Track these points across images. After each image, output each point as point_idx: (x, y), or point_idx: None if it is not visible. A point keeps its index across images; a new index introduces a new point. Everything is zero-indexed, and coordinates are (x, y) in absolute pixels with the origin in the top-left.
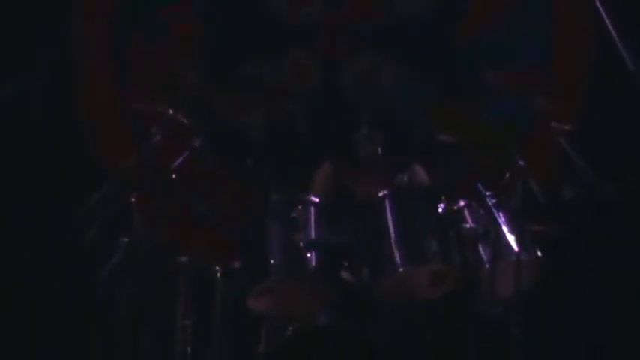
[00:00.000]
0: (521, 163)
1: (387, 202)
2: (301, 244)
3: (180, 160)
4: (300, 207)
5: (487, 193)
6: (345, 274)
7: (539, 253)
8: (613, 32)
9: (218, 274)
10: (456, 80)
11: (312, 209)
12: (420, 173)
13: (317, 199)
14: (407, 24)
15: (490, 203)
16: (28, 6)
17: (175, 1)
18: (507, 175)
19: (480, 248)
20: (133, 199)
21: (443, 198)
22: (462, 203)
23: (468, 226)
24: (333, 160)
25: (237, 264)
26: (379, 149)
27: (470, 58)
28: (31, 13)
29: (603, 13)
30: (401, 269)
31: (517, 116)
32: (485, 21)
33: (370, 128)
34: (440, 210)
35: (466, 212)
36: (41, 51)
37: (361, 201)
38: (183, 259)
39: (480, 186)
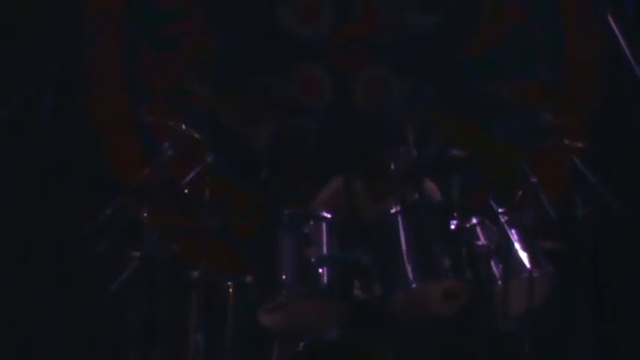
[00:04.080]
0: (533, 179)
1: (399, 219)
2: (313, 259)
3: (192, 174)
4: (312, 222)
5: (500, 210)
6: (357, 291)
7: (552, 270)
8: (625, 46)
9: (230, 289)
10: (466, 94)
11: (325, 225)
12: (432, 188)
13: (329, 215)
14: (417, 37)
15: (503, 220)
16: (38, 18)
17: (186, 14)
18: (520, 191)
19: (493, 265)
20: (144, 213)
21: (455, 214)
22: (474, 220)
23: (480, 242)
24: (347, 174)
25: (249, 279)
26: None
27: (480, 72)
28: (41, 25)
29: (615, 27)
30: (413, 285)
31: (527, 131)
32: (495, 35)
33: (409, 146)
34: (452, 226)
35: (478, 229)
36: (52, 63)
37: (373, 217)
38: (195, 273)
39: (492, 203)
